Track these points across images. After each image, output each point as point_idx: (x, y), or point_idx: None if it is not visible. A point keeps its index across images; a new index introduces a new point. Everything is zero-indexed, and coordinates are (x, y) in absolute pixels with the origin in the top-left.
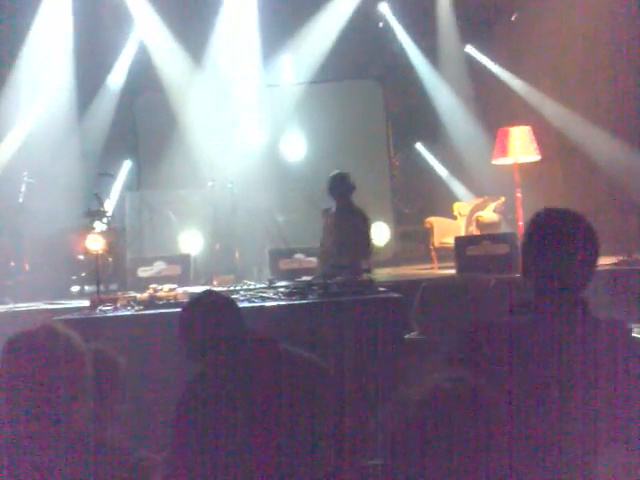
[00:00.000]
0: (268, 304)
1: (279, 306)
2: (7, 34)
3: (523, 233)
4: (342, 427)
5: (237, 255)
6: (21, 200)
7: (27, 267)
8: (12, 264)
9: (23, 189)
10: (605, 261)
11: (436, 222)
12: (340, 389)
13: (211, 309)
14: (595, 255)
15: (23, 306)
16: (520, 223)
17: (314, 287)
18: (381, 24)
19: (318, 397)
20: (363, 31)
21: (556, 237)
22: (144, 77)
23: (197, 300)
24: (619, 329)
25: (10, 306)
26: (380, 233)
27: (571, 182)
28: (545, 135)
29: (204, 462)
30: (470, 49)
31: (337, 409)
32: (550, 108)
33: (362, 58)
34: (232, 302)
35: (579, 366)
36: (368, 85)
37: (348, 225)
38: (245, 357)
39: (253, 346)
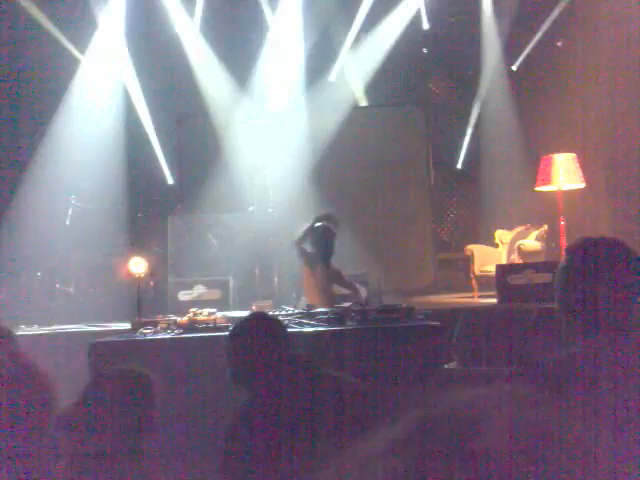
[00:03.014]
0: (306, 330)
1: (317, 332)
2: (62, 60)
3: (561, 265)
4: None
5: (276, 280)
6: (68, 223)
7: (71, 290)
8: (57, 286)
9: (70, 212)
10: None
11: (476, 250)
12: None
13: (261, 332)
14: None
15: (66, 328)
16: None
17: (353, 313)
18: (425, 50)
19: (363, 420)
20: (407, 57)
21: (598, 266)
22: (190, 102)
23: (246, 322)
24: None
25: (54, 327)
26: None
27: (617, 210)
28: (591, 162)
29: None
30: (514, 75)
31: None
32: (596, 135)
33: (405, 84)
34: (281, 324)
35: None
36: (410, 111)
37: None
38: (292, 381)
39: (299, 370)
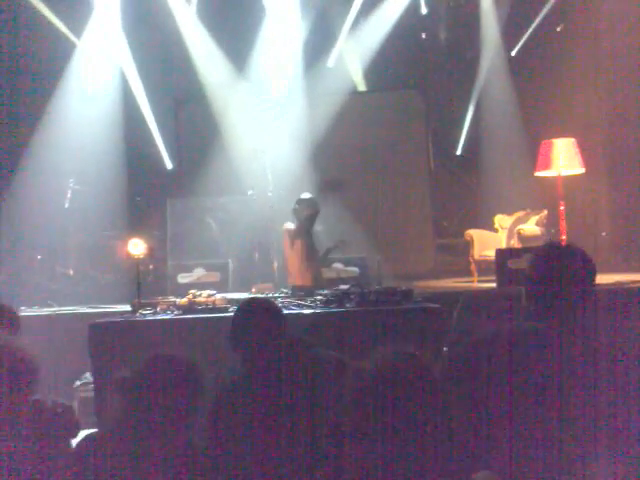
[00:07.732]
0: (305, 311)
1: (316, 314)
2: (58, 42)
3: (529, 263)
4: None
5: (275, 264)
6: (67, 206)
7: (71, 272)
8: (57, 268)
9: (69, 195)
10: None
11: (476, 235)
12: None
13: (256, 314)
14: (589, 284)
15: (66, 310)
16: (563, 237)
17: (352, 295)
18: (424, 35)
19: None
20: (406, 41)
21: (556, 269)
22: (188, 85)
23: (244, 305)
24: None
25: (54, 309)
26: None
27: (616, 195)
28: (591, 147)
29: (237, 454)
30: (514, 60)
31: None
32: (596, 119)
33: (404, 68)
34: (276, 308)
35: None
36: (409, 95)
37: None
38: (282, 359)
39: (290, 349)
